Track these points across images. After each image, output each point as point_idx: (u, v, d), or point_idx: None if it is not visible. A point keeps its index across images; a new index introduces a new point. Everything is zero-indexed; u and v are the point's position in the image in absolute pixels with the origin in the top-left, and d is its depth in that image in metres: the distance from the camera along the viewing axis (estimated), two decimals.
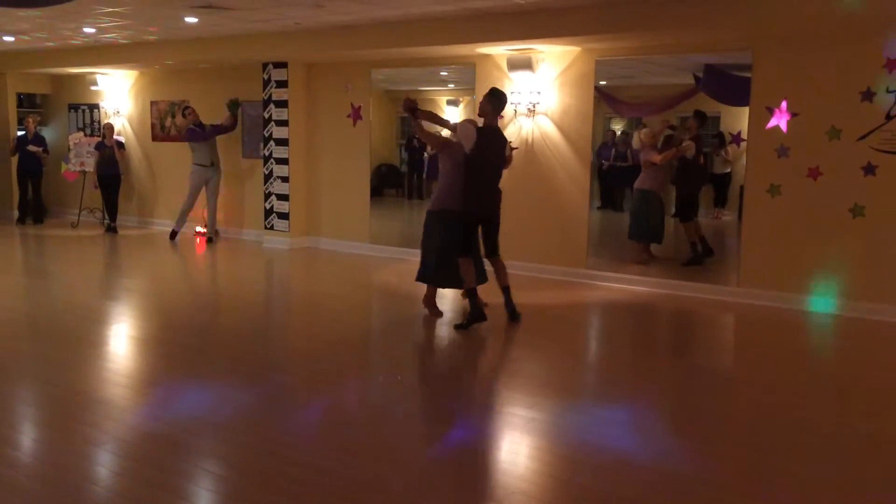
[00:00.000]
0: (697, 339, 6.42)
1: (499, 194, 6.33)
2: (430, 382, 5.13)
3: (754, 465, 3.71)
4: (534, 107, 8.27)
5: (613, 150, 13.67)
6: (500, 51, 8.32)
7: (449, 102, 16.37)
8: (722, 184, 12.43)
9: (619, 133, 14.23)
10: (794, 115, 6.96)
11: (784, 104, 6.99)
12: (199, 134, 10.48)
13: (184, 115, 10.86)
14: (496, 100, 6.07)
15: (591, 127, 8.14)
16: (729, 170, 12.26)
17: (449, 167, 6.23)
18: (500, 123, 6.91)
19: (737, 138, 11.59)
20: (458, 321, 6.36)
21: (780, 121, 7.03)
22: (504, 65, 8.44)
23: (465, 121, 6.17)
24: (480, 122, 6.15)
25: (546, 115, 8.30)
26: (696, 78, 10.09)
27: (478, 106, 6.32)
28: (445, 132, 6.71)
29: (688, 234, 8.85)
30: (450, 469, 3.66)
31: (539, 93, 8.23)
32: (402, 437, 4.05)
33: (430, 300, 6.59)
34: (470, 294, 6.18)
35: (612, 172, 13.60)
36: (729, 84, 9.37)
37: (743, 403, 4.71)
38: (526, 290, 7.74)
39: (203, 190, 10.62)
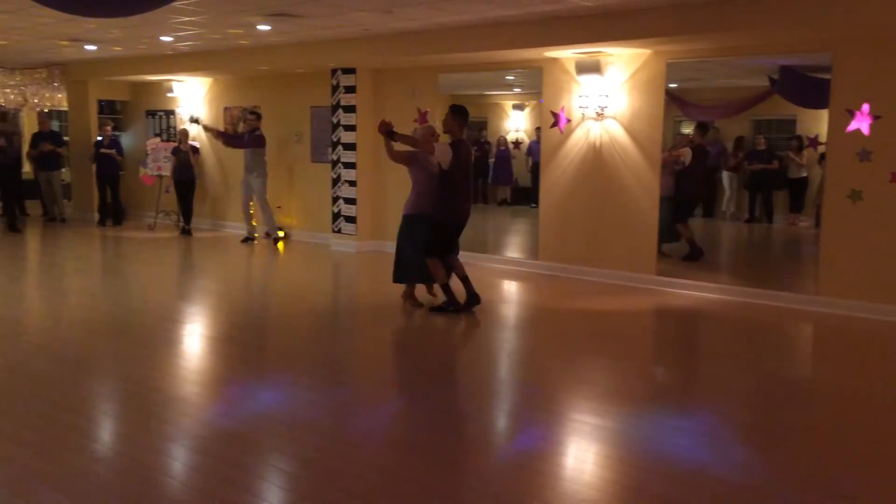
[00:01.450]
0: (772, 347, 6.23)
1: (470, 200, 6.86)
2: (497, 389, 5.11)
3: (832, 480, 3.58)
4: (602, 110, 8.17)
5: None
6: (567, 54, 8.26)
7: (514, 107, 16.34)
8: (798, 189, 12.05)
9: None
10: (876, 117, 6.69)
11: (866, 107, 6.72)
12: (230, 140, 11.03)
13: (244, 121, 11.18)
14: (460, 115, 6.61)
15: (661, 131, 8.00)
16: (805, 174, 11.89)
17: (421, 177, 6.79)
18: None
19: (814, 142, 11.23)
20: (469, 306, 6.81)
21: (861, 124, 6.77)
22: (572, 68, 8.37)
23: (430, 136, 6.67)
24: (440, 136, 6.80)
25: (614, 118, 8.19)
26: (772, 80, 9.83)
27: (442, 124, 6.80)
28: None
29: (683, 234, 9.17)
30: (516, 476, 3.64)
31: (607, 96, 8.13)
32: (469, 443, 4.04)
33: (408, 295, 7.07)
34: (445, 288, 6.75)
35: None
36: (806, 86, 9.09)
37: (820, 415, 4.54)
38: (593, 295, 7.65)
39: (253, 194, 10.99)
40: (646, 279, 8.05)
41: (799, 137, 11.96)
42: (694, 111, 12.23)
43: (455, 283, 6.84)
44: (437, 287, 6.99)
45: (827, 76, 7.08)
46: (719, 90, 12.47)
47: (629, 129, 8.12)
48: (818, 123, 9.65)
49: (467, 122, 6.67)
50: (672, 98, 9.24)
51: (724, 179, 12.95)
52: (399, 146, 6.78)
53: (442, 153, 6.48)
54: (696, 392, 4.92)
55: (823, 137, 7.47)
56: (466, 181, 6.69)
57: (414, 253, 6.81)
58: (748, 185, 12.54)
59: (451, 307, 6.74)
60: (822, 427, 4.34)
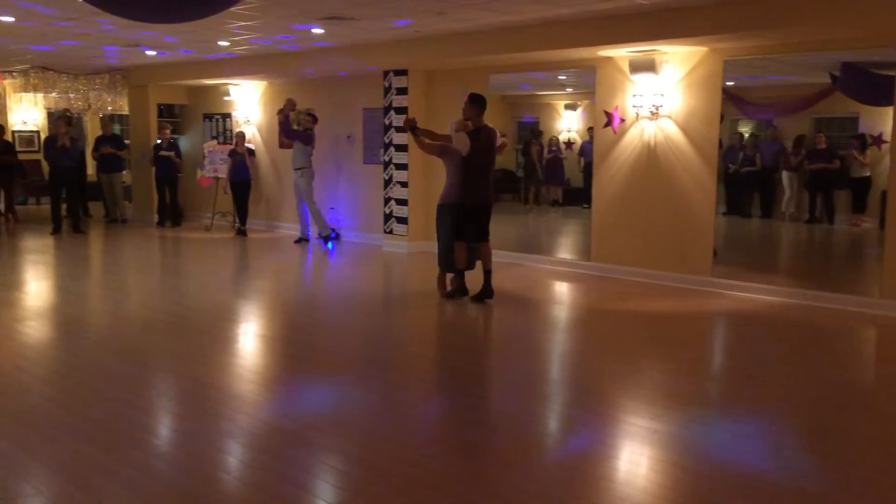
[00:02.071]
0: (833, 352, 6.05)
1: (490, 185, 7.23)
2: (549, 390, 5.08)
3: (894, 488, 3.46)
4: (657, 109, 8.06)
5: (741, 153, 13.13)
6: (621, 53, 8.16)
7: (567, 107, 16.21)
8: (861, 188, 11.69)
9: (747, 136, 13.67)
10: None
11: None
12: (286, 128, 10.93)
13: (298, 123, 11.31)
14: (478, 104, 7.00)
15: (717, 130, 7.84)
16: (868, 174, 11.53)
17: (451, 167, 7.13)
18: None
19: (878, 140, 10.89)
20: (478, 299, 7.18)
21: None
22: (626, 67, 8.27)
23: (457, 126, 7.00)
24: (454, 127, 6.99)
25: (669, 117, 8.06)
26: (833, 77, 9.56)
27: (462, 112, 7.10)
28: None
29: None
30: (568, 477, 3.60)
31: (662, 95, 8.01)
32: (520, 443, 4.02)
33: (441, 282, 7.45)
34: (458, 272, 7.20)
35: (739, 177, 13.08)
36: (869, 83, 8.84)
37: (884, 422, 4.39)
38: (647, 297, 7.55)
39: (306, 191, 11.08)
40: (701, 281, 7.90)
41: (862, 135, 11.61)
42: (752, 109, 11.99)
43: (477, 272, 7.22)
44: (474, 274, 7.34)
45: (891, 73, 6.85)
46: (778, 88, 12.19)
47: (684, 129, 7.98)
48: (882, 121, 9.35)
49: (484, 109, 7.05)
50: (729, 96, 9.07)
51: (784, 179, 12.64)
52: (428, 141, 7.28)
53: (460, 141, 6.91)
54: (755, 397, 4.80)
55: (888, 136, 7.22)
56: (486, 166, 7.08)
57: (447, 240, 7.20)
58: (808, 184, 12.22)
59: (457, 292, 7.24)
60: (886, 434, 4.20)
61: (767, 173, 12.81)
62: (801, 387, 5.05)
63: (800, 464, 3.78)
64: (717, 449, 3.92)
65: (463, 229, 7.08)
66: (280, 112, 11.00)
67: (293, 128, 11.00)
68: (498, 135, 7.50)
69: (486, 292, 7.14)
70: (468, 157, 6.94)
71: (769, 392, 4.92)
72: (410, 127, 7.13)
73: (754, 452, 3.88)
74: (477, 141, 6.93)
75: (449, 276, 7.38)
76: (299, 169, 10.92)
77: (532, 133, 15.23)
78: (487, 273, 7.14)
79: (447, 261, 7.27)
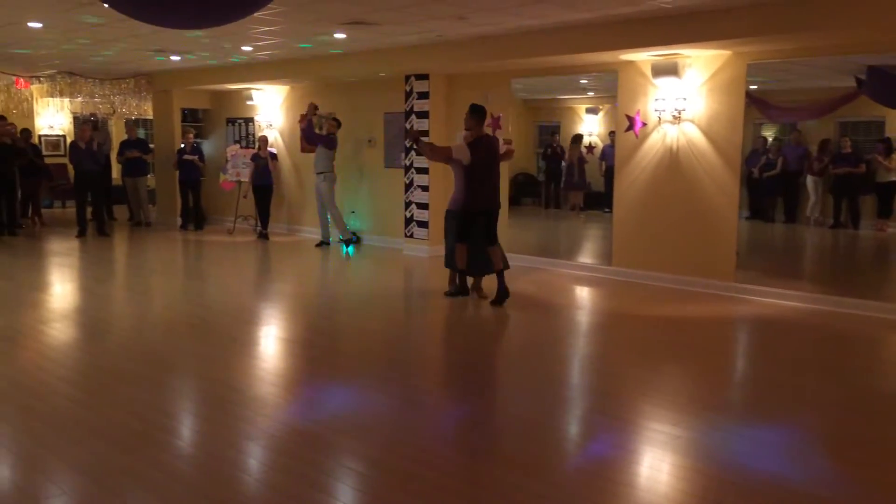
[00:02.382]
0: (859, 359, 5.97)
1: (496, 190, 7.44)
2: (570, 395, 5.06)
3: None
4: (679, 113, 8.01)
5: (764, 157, 13.02)
6: (644, 57, 8.12)
7: (588, 111, 16.18)
8: (886, 193, 11.55)
9: (770, 140, 13.54)
10: None
11: None
12: (309, 131, 10.96)
13: (320, 126, 11.36)
14: (477, 114, 7.25)
15: (741, 134, 7.77)
16: (894, 178, 11.38)
17: (456, 176, 7.39)
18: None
19: None
20: (497, 303, 7.28)
21: None
22: (648, 71, 8.23)
23: (463, 139, 7.35)
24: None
25: (692, 121, 8.01)
26: (858, 80, 9.45)
27: (464, 122, 7.39)
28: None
29: None
30: (589, 483, 3.59)
31: (685, 99, 7.96)
32: (540, 448, 4.01)
33: (475, 287, 7.64)
34: (460, 273, 7.50)
35: (762, 181, 12.97)
36: (895, 86, 8.73)
37: None
38: (669, 302, 7.49)
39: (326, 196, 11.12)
40: (724, 286, 7.83)
41: (888, 139, 11.47)
42: (776, 113, 11.89)
43: (491, 280, 7.45)
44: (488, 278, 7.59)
45: None
46: (803, 91, 12.07)
47: (707, 133, 7.93)
48: None
49: (484, 119, 7.35)
50: (753, 100, 8.99)
51: (809, 184, 12.52)
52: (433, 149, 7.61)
53: (460, 152, 7.20)
54: (779, 403, 4.75)
55: None
56: (488, 172, 7.30)
57: (452, 244, 7.53)
58: (833, 189, 12.10)
59: (457, 293, 7.54)
60: None
61: (791, 177, 12.70)
62: (826, 393, 4.99)
63: (825, 472, 3.73)
64: (740, 456, 3.88)
65: (468, 234, 7.31)
66: (303, 118, 11.05)
67: (316, 132, 11.05)
68: (502, 142, 7.84)
69: (502, 292, 7.26)
70: (470, 166, 7.17)
71: (793, 399, 4.86)
72: (414, 138, 7.48)
73: (778, 460, 3.84)
74: (477, 150, 7.15)
75: (461, 276, 7.62)
76: (321, 173, 10.97)
77: (574, 139, 15.23)
78: (500, 273, 7.31)
79: (451, 262, 7.63)
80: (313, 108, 11.05)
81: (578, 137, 15.31)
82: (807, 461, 3.86)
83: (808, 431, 4.30)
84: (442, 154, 7.40)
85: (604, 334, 6.73)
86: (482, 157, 7.21)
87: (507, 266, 7.46)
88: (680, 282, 8.13)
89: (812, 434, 4.27)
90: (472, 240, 7.34)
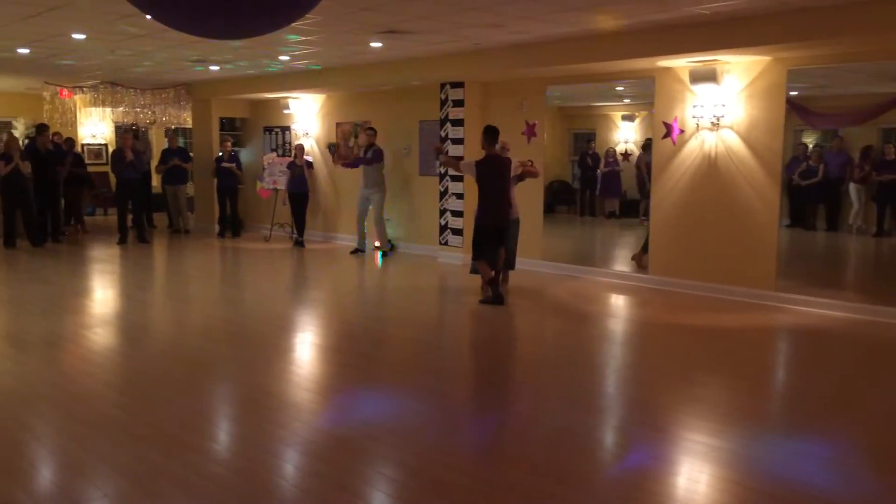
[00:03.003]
0: None
1: (506, 205, 7.80)
2: (607, 404, 5.01)
3: None
4: (718, 120, 7.91)
5: (805, 164, 12.79)
6: (681, 63, 8.05)
7: (624, 118, 16.07)
8: None
9: (811, 147, 13.31)
10: None
11: None
12: (354, 163, 11.26)
13: (356, 136, 11.45)
14: (488, 135, 7.68)
15: (781, 141, 7.65)
16: None
17: (478, 190, 7.85)
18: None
19: None
20: (484, 300, 7.66)
21: None
22: (686, 77, 8.14)
23: (470, 161, 7.97)
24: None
25: (731, 128, 7.90)
26: None
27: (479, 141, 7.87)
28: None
29: None
30: (625, 493, 3.54)
31: (724, 105, 7.86)
32: (577, 458, 3.97)
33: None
34: (492, 282, 7.70)
35: (802, 188, 12.75)
36: None
37: None
38: (708, 311, 7.39)
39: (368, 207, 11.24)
40: (764, 295, 7.70)
41: None
42: (817, 120, 11.69)
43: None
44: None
45: None
46: (844, 97, 11.86)
47: (747, 140, 7.82)
48: None
49: (496, 139, 7.72)
50: (793, 106, 8.85)
51: (851, 192, 12.29)
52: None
53: (466, 168, 7.88)
54: (821, 415, 4.65)
55: None
56: (496, 189, 7.67)
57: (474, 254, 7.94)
58: (877, 197, 11.85)
59: (493, 300, 7.64)
60: None
61: (833, 185, 12.47)
62: (870, 405, 4.87)
63: (869, 486, 3.64)
64: (780, 468, 3.80)
65: (484, 246, 7.71)
66: (343, 163, 11.45)
67: (359, 155, 11.16)
68: (516, 163, 8.23)
69: (496, 295, 7.62)
70: (479, 182, 7.73)
71: (836, 410, 4.76)
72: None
73: (821, 473, 3.75)
74: (483, 168, 7.63)
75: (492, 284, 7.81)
76: (373, 186, 11.05)
77: (645, 144, 15.14)
78: (498, 273, 7.77)
79: (476, 269, 8.08)
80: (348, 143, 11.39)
81: (649, 143, 15.21)
82: (850, 474, 3.77)
83: (851, 444, 4.20)
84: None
85: (640, 343, 6.66)
86: (488, 174, 7.64)
87: (510, 266, 7.90)
88: (719, 290, 8.01)
89: (855, 447, 4.17)
90: (488, 256, 7.73)
